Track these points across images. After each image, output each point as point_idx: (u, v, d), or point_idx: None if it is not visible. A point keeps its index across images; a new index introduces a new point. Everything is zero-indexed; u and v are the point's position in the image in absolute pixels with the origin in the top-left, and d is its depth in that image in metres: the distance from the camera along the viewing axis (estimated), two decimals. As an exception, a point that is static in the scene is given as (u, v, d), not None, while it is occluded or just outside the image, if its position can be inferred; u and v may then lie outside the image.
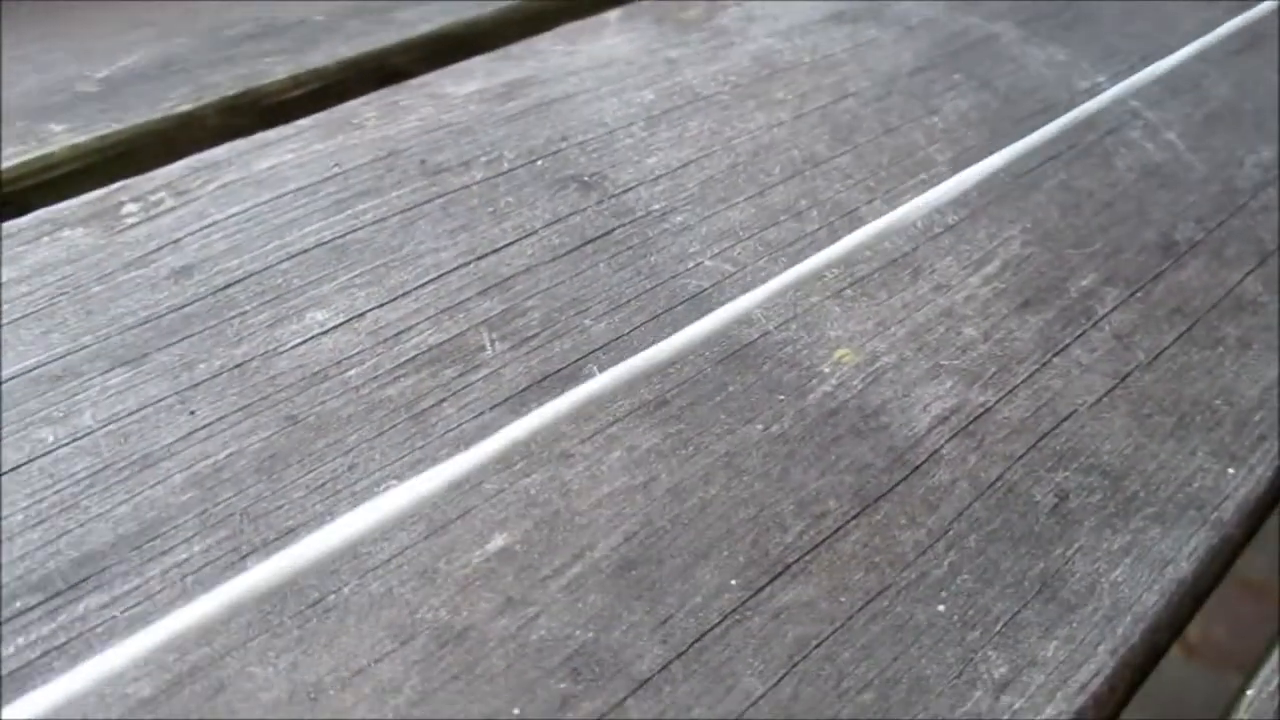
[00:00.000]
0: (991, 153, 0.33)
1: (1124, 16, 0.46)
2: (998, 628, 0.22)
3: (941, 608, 0.23)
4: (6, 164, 0.33)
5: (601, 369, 0.28)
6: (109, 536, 0.23)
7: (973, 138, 0.37)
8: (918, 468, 0.26)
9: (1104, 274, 0.32)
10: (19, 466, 0.24)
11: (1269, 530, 0.27)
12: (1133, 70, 0.38)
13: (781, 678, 0.21)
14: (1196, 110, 0.40)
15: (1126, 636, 0.22)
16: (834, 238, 0.32)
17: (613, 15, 0.43)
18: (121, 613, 0.22)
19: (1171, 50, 0.39)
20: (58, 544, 0.23)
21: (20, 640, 0.21)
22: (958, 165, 0.36)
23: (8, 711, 0.14)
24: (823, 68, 0.41)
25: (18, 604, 0.22)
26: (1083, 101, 0.36)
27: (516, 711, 0.20)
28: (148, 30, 0.40)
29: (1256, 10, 0.33)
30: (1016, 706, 0.21)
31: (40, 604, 0.22)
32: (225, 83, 0.37)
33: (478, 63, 0.40)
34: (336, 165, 0.34)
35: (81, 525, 0.23)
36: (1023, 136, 0.34)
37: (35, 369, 0.27)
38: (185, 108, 0.36)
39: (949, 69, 0.41)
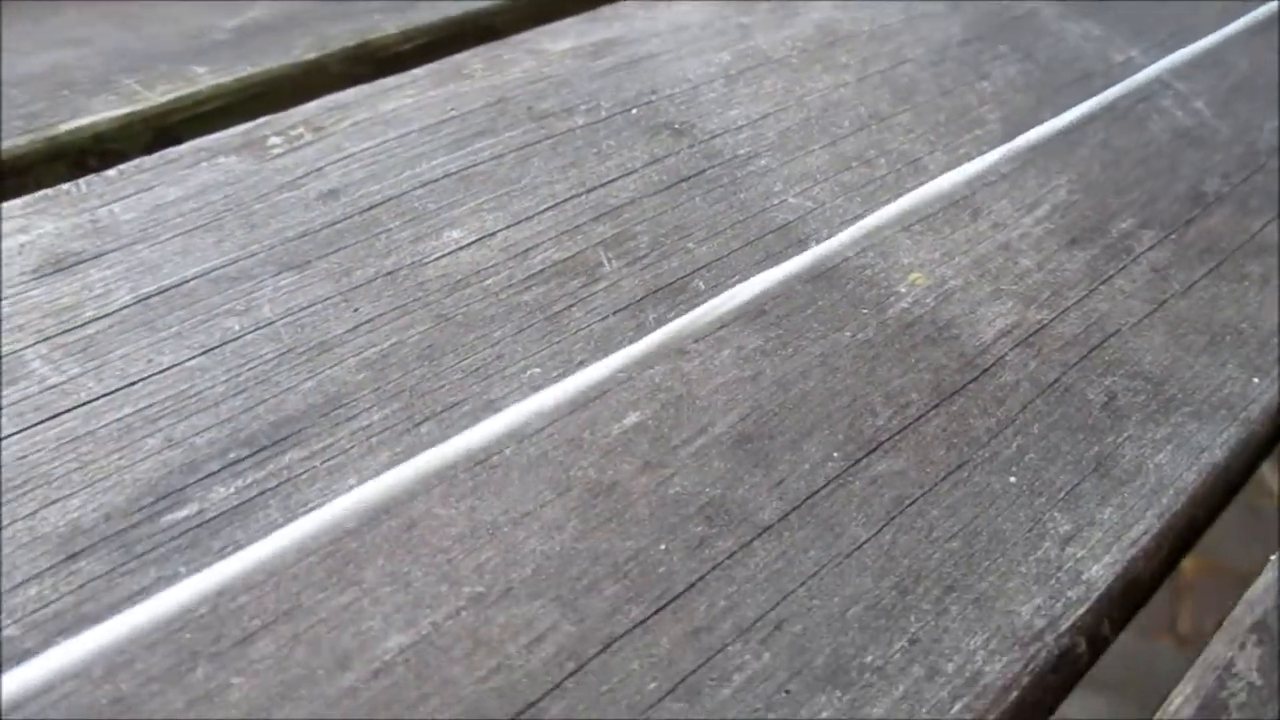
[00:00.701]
0: (1038, 115, 0.37)
1: (1150, 1, 0.50)
2: (1061, 495, 0.26)
3: (1012, 479, 0.27)
4: (160, 98, 0.37)
5: (706, 285, 0.32)
6: (301, 405, 0.27)
7: (1019, 101, 0.41)
8: (986, 370, 0.30)
9: (1141, 218, 0.36)
10: (213, 349, 0.28)
11: (1270, 535, 0.31)
12: (1162, 45, 0.43)
13: (881, 528, 0.25)
14: (1221, 83, 0.44)
15: (1170, 505, 0.26)
16: (900, 182, 0.36)
17: (686, -15, 0.47)
18: (321, 464, 0.26)
19: (1195, 27, 0.43)
20: (257, 410, 0.27)
21: (238, 483, 0.25)
22: (1007, 124, 0.40)
23: (253, 550, 0.17)
24: (880, 36, 0.45)
25: (230, 455, 0.26)
26: (1118, 73, 0.40)
27: (663, 547, 0.24)
28: (265, -13, 0.44)
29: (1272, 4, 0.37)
30: (1079, 555, 0.25)
31: (249, 456, 0.26)
32: (343, 35, 0.41)
33: (569, 23, 0.43)
34: (453, 109, 0.38)
35: (275, 396, 0.27)
36: (1063, 101, 0.38)
37: (213, 271, 0.31)
38: (311, 55, 0.40)
39: (995, 40, 0.45)
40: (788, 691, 0.22)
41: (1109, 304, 0.32)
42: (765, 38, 0.44)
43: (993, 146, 0.36)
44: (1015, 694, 0.22)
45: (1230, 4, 0.47)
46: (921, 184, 0.33)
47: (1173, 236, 0.35)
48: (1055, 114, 0.37)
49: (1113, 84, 0.39)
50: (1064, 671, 0.23)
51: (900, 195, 0.32)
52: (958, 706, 0.22)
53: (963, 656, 0.23)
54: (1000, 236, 0.34)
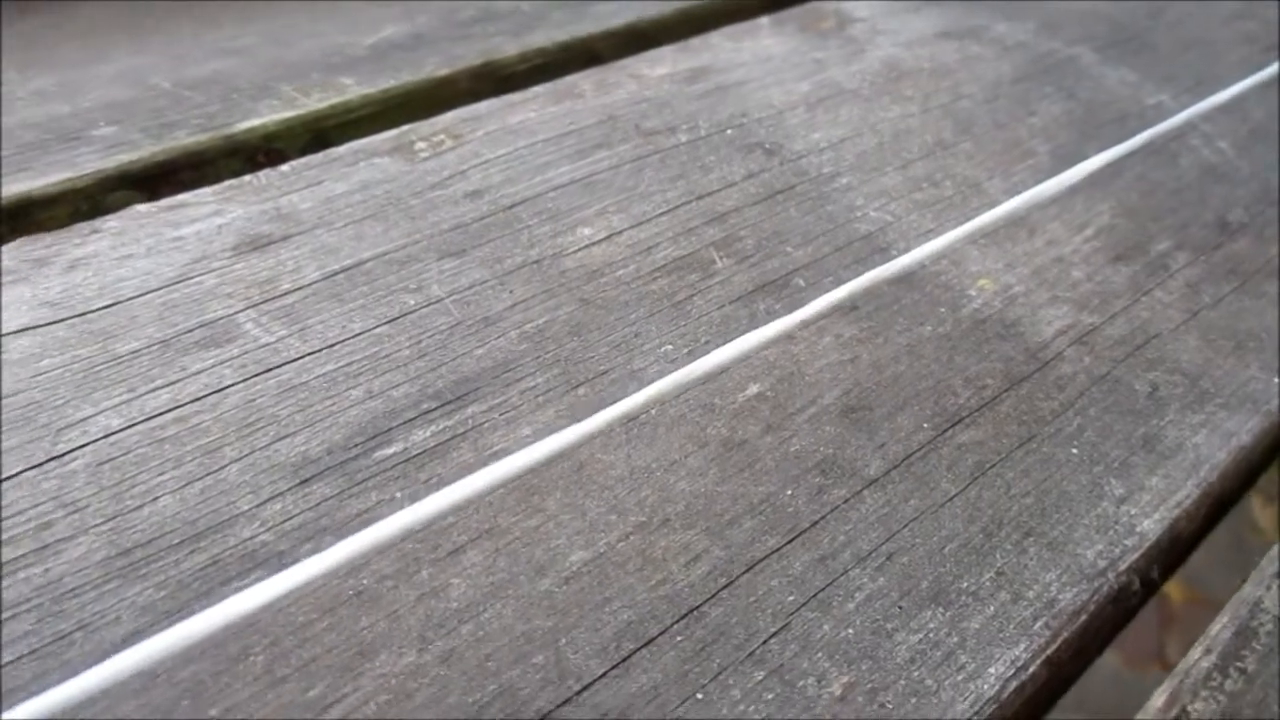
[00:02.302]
0: (1082, 148, 0.42)
1: (1178, 48, 0.56)
2: (1115, 465, 0.31)
3: (1074, 450, 0.32)
4: (316, 104, 0.42)
5: (805, 282, 0.37)
6: (475, 368, 0.32)
7: (1064, 135, 0.47)
8: (1047, 362, 0.35)
9: (1176, 241, 0.41)
10: (395, 319, 0.33)
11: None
12: (1189, 91, 0.48)
13: (967, 485, 0.30)
14: (1241, 127, 0.50)
15: (1206, 477, 0.32)
16: (965, 201, 0.42)
17: (764, 21, 0.53)
18: (499, 416, 0.31)
19: (1218, 75, 0.48)
20: (439, 370, 0.32)
21: (434, 427, 0.30)
22: (1054, 155, 0.45)
23: (456, 485, 0.22)
24: (940, 73, 0.50)
25: (423, 405, 0.31)
26: (1151, 114, 0.46)
27: (789, 493, 0.29)
28: (394, 10, 0.49)
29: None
30: (1133, 513, 0.30)
31: (439, 407, 0.31)
32: (469, 55, 0.46)
33: (665, 51, 0.49)
34: (570, 124, 0.43)
35: (453, 360, 0.32)
36: (1104, 137, 0.44)
37: (385, 255, 0.36)
38: (443, 72, 0.45)
39: (1042, 81, 0.51)
40: (900, 607, 0.27)
41: (1149, 312, 0.37)
42: (838, 71, 0.49)
43: (1043, 174, 0.41)
44: (1084, 618, 0.27)
45: (1248, 57, 0.53)
46: (983, 205, 0.38)
47: (1203, 258, 0.40)
48: (1097, 148, 0.43)
49: (1146, 124, 0.45)
50: (1122, 604, 0.28)
51: (967, 214, 0.37)
52: (1038, 624, 0.27)
53: (1041, 586, 0.28)
54: (1054, 252, 0.39)
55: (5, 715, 0.18)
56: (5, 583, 0.24)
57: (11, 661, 0.23)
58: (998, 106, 0.48)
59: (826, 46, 0.51)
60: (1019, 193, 0.39)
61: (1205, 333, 0.37)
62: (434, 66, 0.45)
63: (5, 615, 0.24)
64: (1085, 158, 0.37)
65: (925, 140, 0.45)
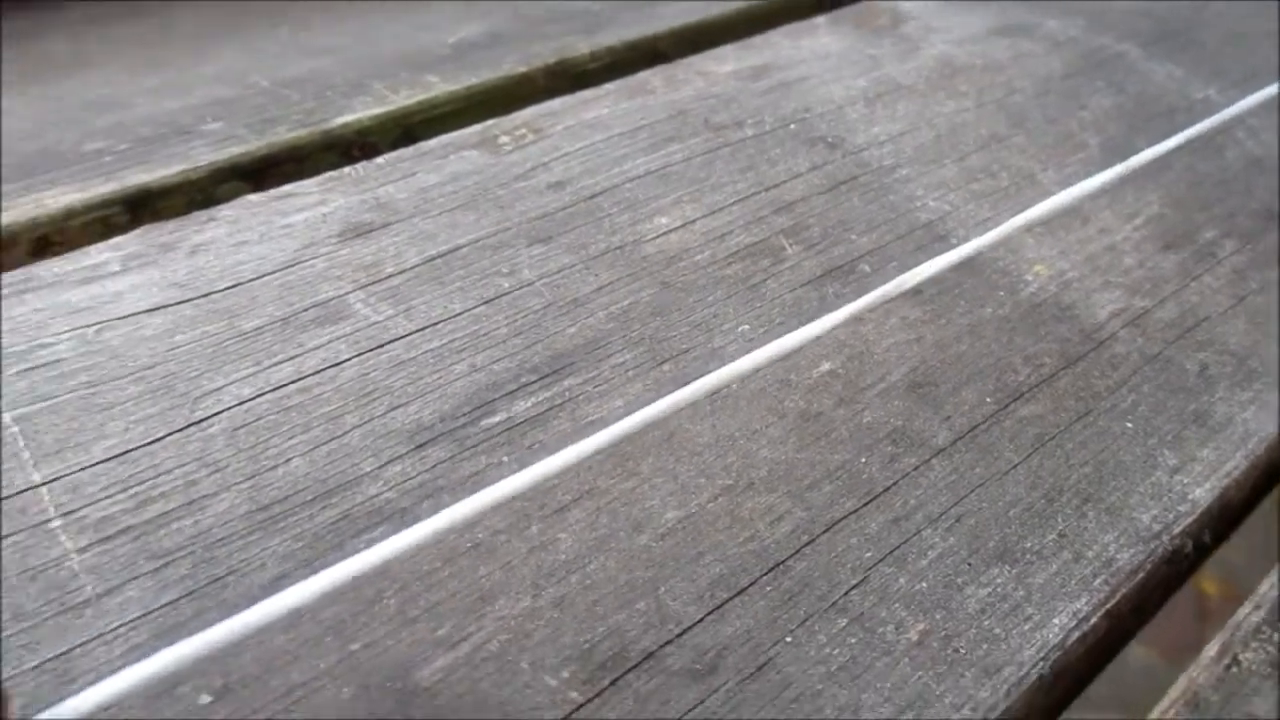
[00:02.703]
0: (1132, 141, 0.44)
1: (1224, 44, 0.58)
2: (1168, 438, 0.34)
3: (1129, 424, 0.34)
4: (405, 101, 0.45)
5: (871, 268, 0.39)
6: (568, 345, 0.34)
7: (1114, 129, 0.49)
8: (1102, 343, 0.37)
9: (1223, 230, 0.43)
10: (491, 300, 0.36)
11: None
12: (1235, 85, 0.50)
13: (1029, 455, 0.32)
14: (1286, 119, 0.52)
15: (1254, 450, 0.34)
16: (1019, 192, 0.44)
17: (821, 20, 0.55)
18: (593, 389, 0.33)
19: (1260, 70, 0.50)
20: (535, 347, 0.34)
21: (533, 399, 0.32)
22: (1105, 148, 0.47)
23: (559, 453, 0.25)
24: (992, 69, 0.52)
25: (522, 379, 0.33)
26: (1199, 109, 0.48)
27: (863, 460, 0.32)
28: (469, 11, 0.52)
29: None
30: (1185, 482, 0.32)
31: (537, 380, 0.33)
32: (544, 53, 0.49)
33: (727, 50, 0.51)
34: (643, 119, 0.45)
35: (547, 337, 0.35)
36: (1152, 130, 0.46)
37: (478, 241, 0.38)
38: (521, 69, 0.48)
39: (1091, 77, 0.53)
40: (969, 564, 0.29)
41: (1199, 296, 0.39)
42: (894, 68, 0.51)
43: (1094, 166, 0.43)
44: (1140, 576, 0.29)
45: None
46: (1038, 195, 0.41)
47: (1249, 245, 0.42)
48: (1146, 141, 0.45)
49: (1194, 118, 0.47)
50: (1176, 564, 0.30)
51: (1022, 204, 0.40)
52: (1098, 581, 0.29)
53: (1100, 546, 0.30)
54: (1106, 240, 0.41)
55: (181, 643, 0.21)
56: (161, 533, 0.27)
57: (172, 601, 0.26)
58: (1049, 101, 0.50)
59: (881, 44, 0.53)
60: (1071, 184, 0.41)
61: (1252, 316, 0.39)
62: (512, 64, 0.48)
63: (161, 562, 0.27)
64: (1135, 150, 0.39)
65: (980, 133, 0.47)
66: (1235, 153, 0.48)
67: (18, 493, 0.28)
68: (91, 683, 0.19)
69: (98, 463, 0.29)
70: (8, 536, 0.27)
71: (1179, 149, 0.43)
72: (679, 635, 0.26)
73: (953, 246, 0.40)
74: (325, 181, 0.40)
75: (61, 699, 0.19)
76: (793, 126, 0.46)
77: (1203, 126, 0.43)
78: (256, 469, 0.29)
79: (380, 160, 0.41)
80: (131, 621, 0.25)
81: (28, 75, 0.45)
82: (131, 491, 0.28)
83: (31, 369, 0.31)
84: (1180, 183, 0.45)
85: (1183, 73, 0.54)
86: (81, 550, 0.26)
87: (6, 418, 0.29)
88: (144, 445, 0.29)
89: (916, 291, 0.38)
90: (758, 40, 0.52)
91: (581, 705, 0.24)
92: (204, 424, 0.30)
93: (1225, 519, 0.32)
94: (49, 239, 0.37)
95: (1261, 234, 0.43)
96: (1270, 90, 0.46)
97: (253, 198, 0.38)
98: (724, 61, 0.50)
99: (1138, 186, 0.45)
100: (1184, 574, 0.31)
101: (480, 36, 0.50)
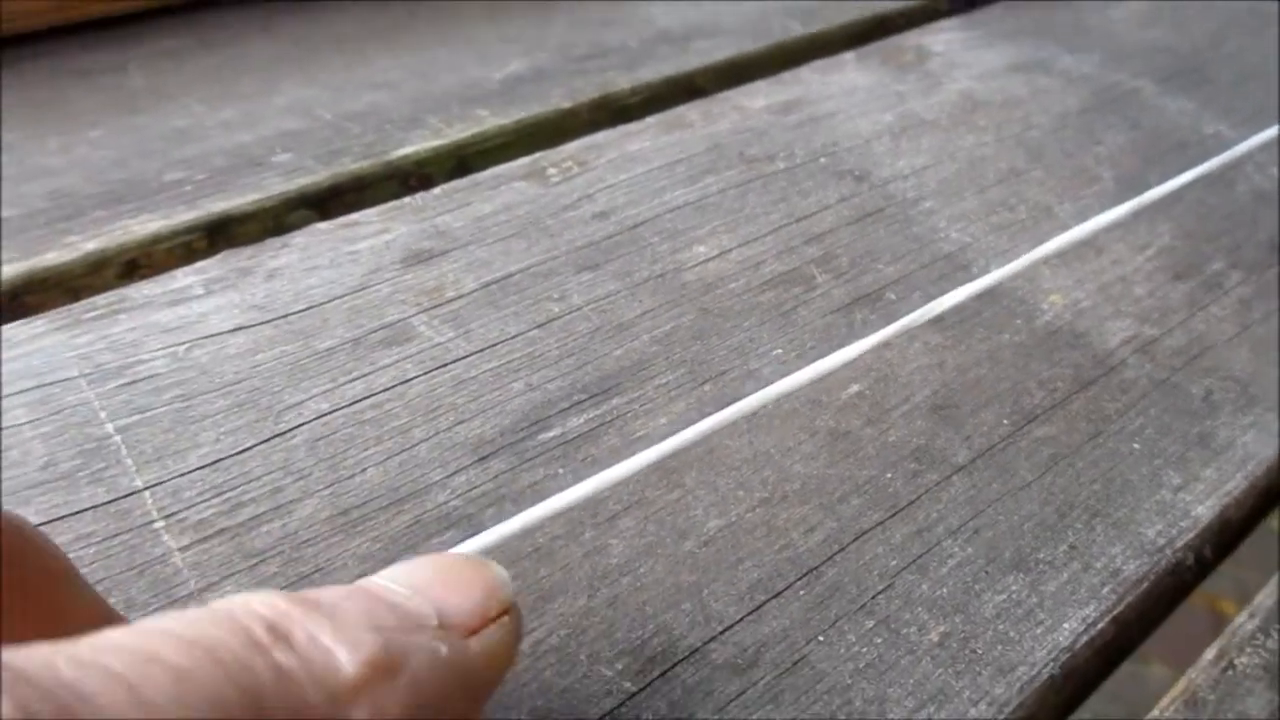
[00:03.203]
0: (1145, 175, 0.47)
1: (1236, 80, 0.60)
2: (1173, 459, 0.36)
3: (1136, 445, 0.37)
4: (458, 134, 0.48)
5: (896, 296, 0.42)
6: (615, 367, 0.37)
7: (1128, 163, 0.51)
8: (1113, 368, 0.39)
9: (1230, 262, 0.46)
10: (544, 324, 0.39)
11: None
12: (1245, 122, 0.53)
13: (1043, 473, 0.35)
14: (1294, 154, 0.54)
15: (1254, 471, 0.36)
16: (1037, 224, 0.46)
17: (849, 56, 0.58)
18: (639, 407, 0.36)
19: (1270, 107, 0.53)
20: (585, 368, 0.37)
21: (585, 416, 0.35)
22: (1119, 181, 0.50)
23: (611, 468, 0.28)
24: (1011, 105, 0.55)
25: (574, 398, 0.36)
26: (1210, 144, 0.50)
27: (888, 475, 0.34)
28: (514, 47, 0.55)
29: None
30: (1188, 500, 0.35)
31: (588, 399, 0.36)
32: (587, 88, 0.52)
33: (759, 85, 0.54)
34: (681, 152, 0.48)
35: (596, 359, 0.37)
36: (1166, 163, 0.48)
37: (530, 268, 0.41)
38: (566, 104, 0.51)
39: (1106, 112, 0.55)
40: (986, 572, 0.32)
41: (1205, 325, 0.42)
42: (918, 103, 0.54)
43: (1108, 199, 0.46)
44: (1145, 585, 0.32)
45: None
46: (1054, 228, 0.43)
47: (1254, 277, 0.45)
48: (1159, 175, 0.48)
49: (1206, 153, 0.49)
50: (1178, 575, 0.33)
51: (1039, 236, 0.42)
52: (1105, 590, 0.32)
53: (1107, 558, 0.32)
54: (1119, 270, 0.44)
55: None
56: (253, 534, 0.30)
57: (266, 595, 0.29)
58: (1066, 136, 0.53)
59: (906, 80, 0.56)
60: (1087, 217, 0.43)
61: (1255, 345, 0.41)
62: (558, 99, 0.51)
63: (256, 560, 0.30)
64: (1147, 184, 0.42)
65: (1000, 167, 0.50)
66: (1244, 187, 0.51)
67: (123, 496, 0.31)
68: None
69: (194, 470, 0.32)
70: (116, 536, 0.30)
71: (1190, 184, 0.46)
72: (721, 633, 0.29)
73: (974, 276, 0.43)
74: (387, 210, 0.43)
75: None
76: (822, 160, 0.48)
77: (1214, 162, 0.46)
78: (336, 477, 0.32)
79: (437, 190, 0.44)
80: (237, 612, 0.28)
81: (110, 107, 0.48)
82: (225, 496, 0.31)
83: (129, 384, 0.34)
84: (1190, 215, 0.48)
85: (1195, 108, 0.56)
86: (184, 549, 0.30)
87: (110, 428, 0.33)
88: (234, 454, 0.32)
89: (939, 319, 0.40)
90: (788, 76, 0.55)
91: (634, 694, 0.27)
92: (287, 435, 0.33)
93: (1225, 535, 0.34)
94: (136, 263, 0.40)
95: (1266, 266, 0.45)
96: (1276, 128, 0.49)
97: (321, 226, 0.42)
98: (757, 96, 0.53)
99: (1149, 219, 0.47)
100: (1186, 585, 0.33)
101: (527, 72, 0.53)
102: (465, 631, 0.20)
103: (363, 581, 0.21)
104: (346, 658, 0.16)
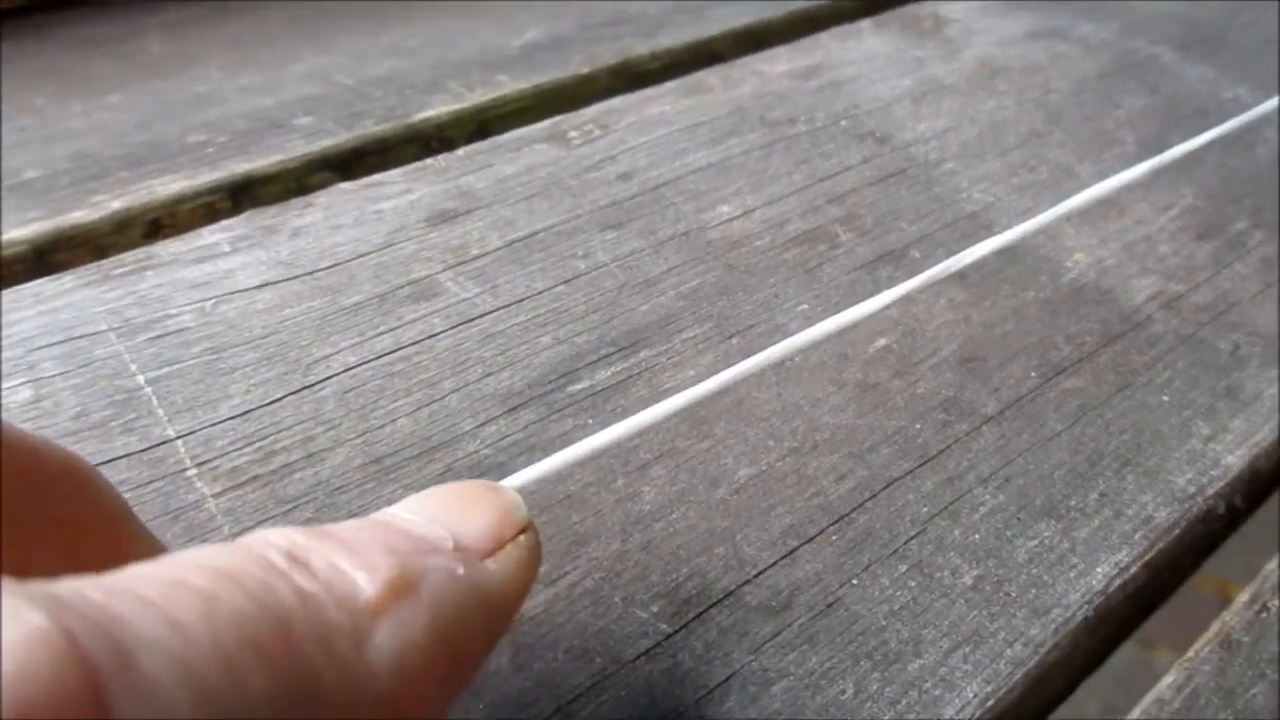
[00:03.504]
0: (1165, 137, 0.47)
1: (1255, 47, 0.60)
2: (1202, 410, 0.36)
3: (1165, 397, 0.36)
4: (479, 98, 0.48)
5: (920, 254, 0.42)
6: (642, 321, 0.37)
7: (1148, 126, 0.51)
8: (1139, 324, 0.39)
9: (1253, 221, 0.46)
10: (570, 280, 0.39)
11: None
12: (1264, 86, 0.52)
13: (1072, 423, 0.35)
14: (1314, 119, 0.54)
15: (1283, 422, 0.36)
16: (1058, 184, 0.46)
17: (867, 23, 0.58)
18: (666, 360, 0.36)
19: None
20: (612, 323, 0.37)
21: (613, 368, 0.35)
22: (1139, 144, 0.50)
23: (639, 414, 0.28)
24: (1030, 70, 0.55)
25: (602, 350, 0.36)
26: (1229, 107, 0.50)
27: (918, 426, 0.34)
28: (535, 14, 0.55)
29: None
30: (1218, 449, 0.35)
31: (616, 352, 0.36)
32: (606, 54, 0.52)
33: (779, 51, 0.54)
34: (702, 115, 0.48)
35: (623, 314, 0.37)
36: (1185, 127, 0.48)
37: (554, 227, 0.41)
38: (585, 70, 0.51)
39: (1125, 77, 0.55)
40: (1018, 519, 0.32)
41: (1230, 282, 0.42)
42: (938, 68, 0.54)
43: (1130, 160, 0.46)
44: (1176, 532, 0.32)
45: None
46: (1076, 187, 0.43)
47: (1277, 236, 0.45)
48: (1179, 137, 0.47)
49: (1225, 116, 0.49)
50: (1209, 523, 0.33)
51: (1061, 195, 0.42)
52: (1137, 535, 0.31)
53: (1139, 505, 0.32)
54: (1142, 230, 0.44)
55: None
56: (286, 482, 0.30)
57: (300, 540, 0.29)
58: (1085, 100, 0.52)
59: (925, 46, 0.56)
60: (1108, 177, 0.43)
61: (1281, 301, 0.41)
62: (577, 65, 0.51)
63: (289, 507, 0.30)
64: (1168, 146, 0.42)
65: (1020, 130, 0.49)
66: (1265, 150, 0.50)
67: (155, 445, 0.31)
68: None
69: (225, 420, 0.32)
70: (150, 483, 0.30)
71: (1210, 145, 0.46)
72: (755, 576, 0.29)
73: (997, 234, 0.42)
74: (410, 172, 0.43)
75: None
76: (843, 123, 0.48)
77: (1233, 124, 0.45)
78: (367, 427, 0.32)
79: (459, 152, 0.44)
80: (274, 552, 0.28)
81: (130, 73, 0.48)
82: (257, 445, 0.31)
83: (158, 337, 0.34)
84: (1212, 177, 0.48)
85: (1214, 74, 0.56)
86: (217, 495, 0.30)
87: (140, 379, 0.33)
88: (264, 405, 0.32)
89: (963, 276, 0.40)
90: (807, 42, 0.54)
91: (671, 635, 0.27)
92: (316, 387, 0.33)
93: (1255, 483, 0.34)
94: (160, 222, 0.40)
95: (1290, 225, 0.45)
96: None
97: (344, 186, 0.42)
98: (777, 62, 0.53)
99: (1171, 180, 0.47)
100: (1217, 535, 0.33)
101: (545, 39, 0.53)
102: (481, 554, 0.20)
103: (376, 514, 0.21)
104: (365, 580, 0.17)
